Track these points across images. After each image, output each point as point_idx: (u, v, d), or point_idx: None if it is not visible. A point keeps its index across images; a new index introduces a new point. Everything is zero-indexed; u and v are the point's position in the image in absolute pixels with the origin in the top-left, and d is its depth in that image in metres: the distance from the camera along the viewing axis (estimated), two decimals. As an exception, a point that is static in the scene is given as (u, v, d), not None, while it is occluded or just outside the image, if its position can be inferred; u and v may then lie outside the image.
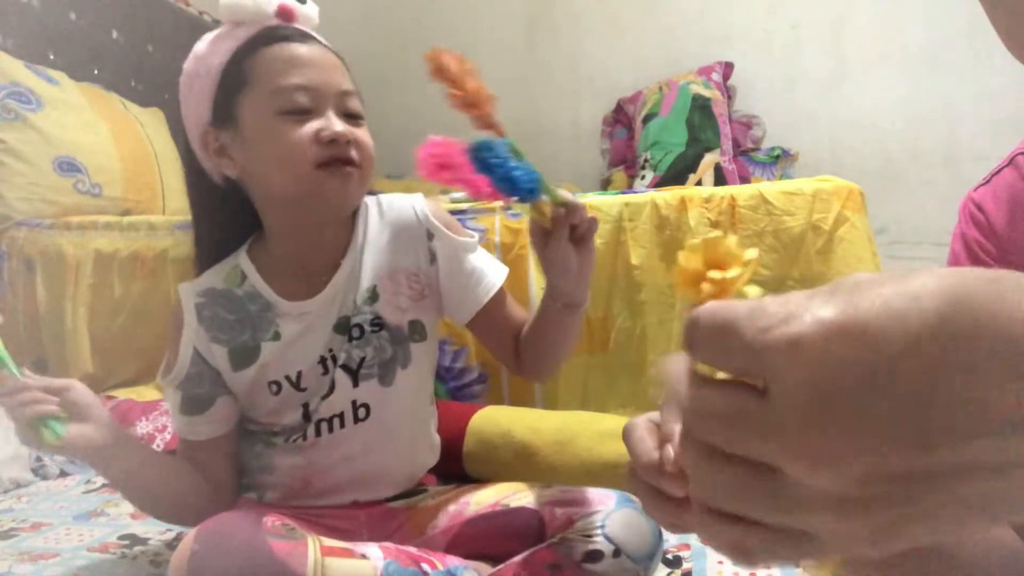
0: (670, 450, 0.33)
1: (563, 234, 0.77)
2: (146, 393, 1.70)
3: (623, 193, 1.62)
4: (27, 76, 1.98)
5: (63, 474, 1.44)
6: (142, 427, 1.53)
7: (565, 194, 0.76)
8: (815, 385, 0.21)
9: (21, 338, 1.89)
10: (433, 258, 0.92)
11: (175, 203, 2.27)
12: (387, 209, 0.94)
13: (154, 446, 1.48)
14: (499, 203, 1.63)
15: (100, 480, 1.40)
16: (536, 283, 1.53)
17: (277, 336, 0.86)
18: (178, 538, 1.10)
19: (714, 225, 1.53)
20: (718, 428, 0.24)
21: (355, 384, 0.87)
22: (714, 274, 0.28)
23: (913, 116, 2.82)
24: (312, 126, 0.80)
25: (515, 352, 0.94)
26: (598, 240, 1.53)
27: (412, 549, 0.81)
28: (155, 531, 1.13)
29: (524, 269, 1.51)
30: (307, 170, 0.79)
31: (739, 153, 2.93)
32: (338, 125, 0.81)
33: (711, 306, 0.24)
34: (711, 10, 3.09)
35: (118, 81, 2.43)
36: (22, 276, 1.91)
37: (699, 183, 2.66)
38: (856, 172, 1.98)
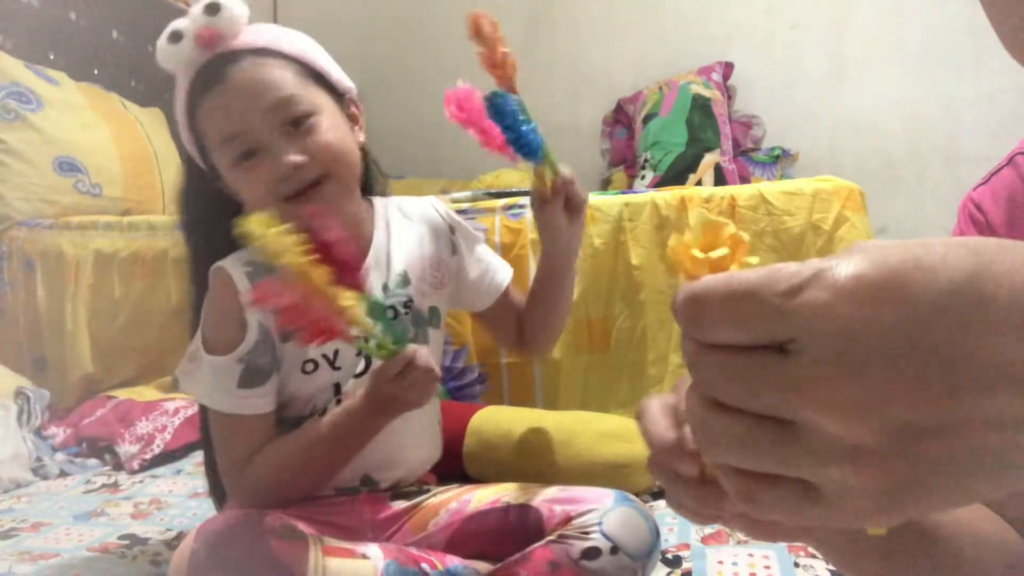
0: (689, 431, 0.33)
1: (558, 202, 0.90)
2: (146, 393, 1.70)
3: (623, 193, 1.62)
4: (27, 76, 1.98)
5: (63, 474, 1.45)
6: (142, 427, 1.53)
7: (564, 168, 0.89)
8: (850, 339, 0.22)
9: (21, 338, 1.89)
10: (455, 250, 0.99)
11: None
12: (408, 209, 0.99)
13: (153, 446, 1.48)
14: (500, 202, 1.63)
15: (100, 480, 1.40)
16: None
17: None
18: (178, 538, 1.10)
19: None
20: (736, 387, 0.24)
21: None
22: (714, 253, 0.28)
23: (913, 116, 2.82)
24: (263, 171, 0.81)
25: (518, 332, 1.03)
26: (598, 240, 1.54)
27: (412, 549, 0.81)
28: (155, 531, 1.14)
29: (524, 268, 1.51)
30: (277, 205, 0.81)
31: (739, 153, 2.93)
32: (283, 155, 0.80)
33: (714, 278, 0.24)
34: (711, 10, 3.09)
35: (118, 81, 2.43)
36: (22, 276, 1.91)
37: (699, 183, 2.66)
38: (856, 172, 1.98)
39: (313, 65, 0.87)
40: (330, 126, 0.84)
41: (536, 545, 0.79)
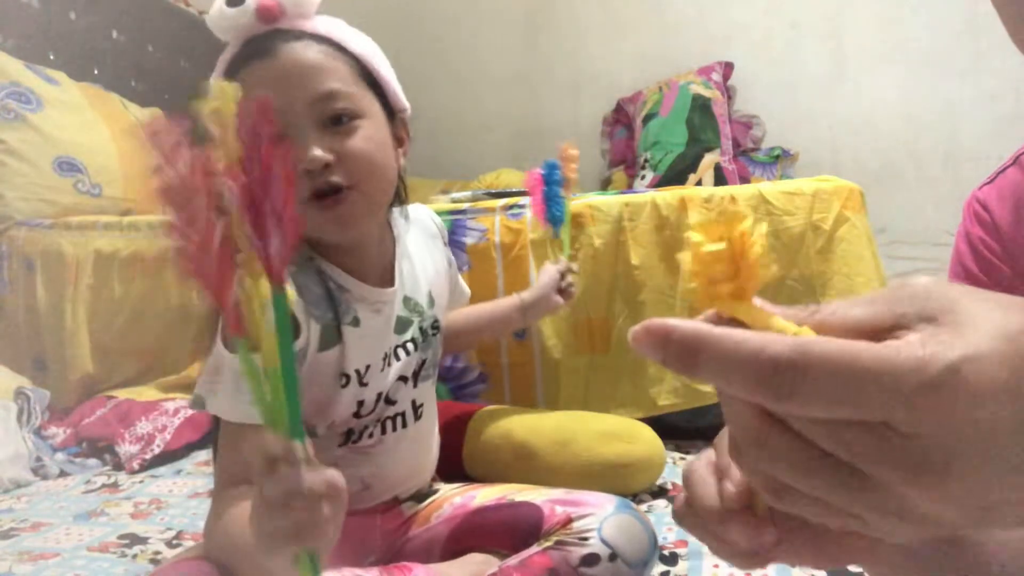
0: (729, 486, 0.32)
1: (552, 266, 1.16)
2: (146, 393, 1.70)
3: (623, 193, 1.62)
4: (27, 76, 1.98)
5: (63, 474, 1.44)
6: (142, 427, 1.53)
7: (566, 263, 1.18)
8: (974, 439, 0.22)
9: (21, 338, 1.89)
10: (450, 262, 1.02)
11: (175, 203, 2.27)
12: (413, 218, 0.95)
13: (153, 446, 1.48)
14: (499, 202, 1.63)
15: (100, 480, 1.40)
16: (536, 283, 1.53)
17: (356, 322, 0.80)
18: (178, 537, 1.10)
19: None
20: (837, 448, 0.24)
21: (415, 385, 0.90)
22: (723, 287, 0.27)
23: (913, 116, 2.82)
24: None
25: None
26: (598, 240, 1.54)
27: (374, 572, 0.77)
28: (155, 531, 1.13)
29: (524, 269, 1.51)
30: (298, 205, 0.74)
31: (739, 153, 2.93)
32: (312, 151, 0.72)
33: (814, 350, 0.22)
34: (711, 10, 3.09)
35: (118, 81, 2.43)
36: (22, 276, 1.91)
37: (699, 183, 2.66)
38: (856, 172, 1.98)
39: (374, 71, 0.81)
40: (372, 135, 0.76)
41: (533, 550, 0.78)
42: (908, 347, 0.22)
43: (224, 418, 0.72)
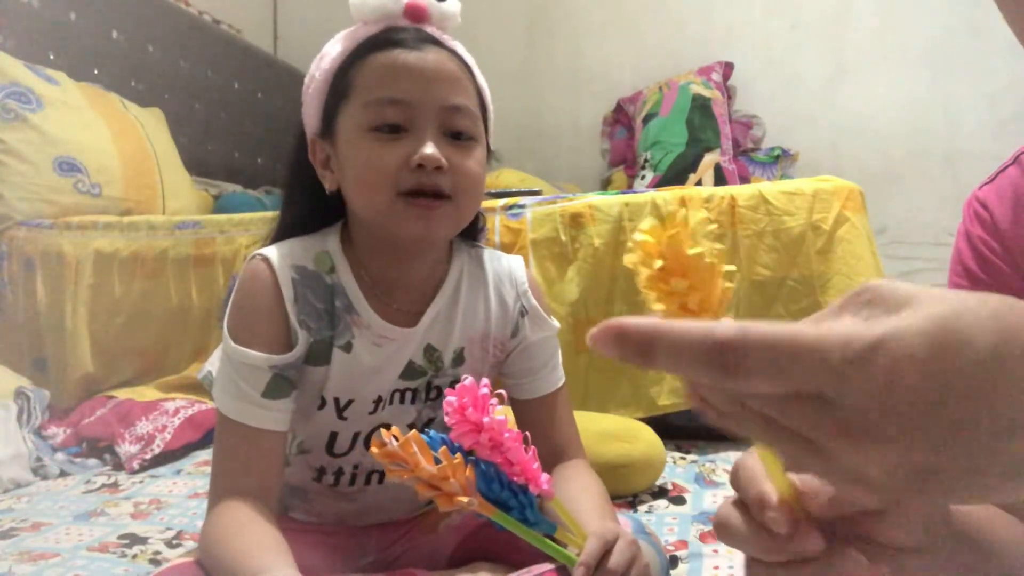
0: (771, 512, 0.33)
1: None
2: (146, 393, 1.70)
3: (623, 193, 1.62)
4: (27, 76, 1.98)
5: (63, 474, 1.44)
6: (142, 427, 1.53)
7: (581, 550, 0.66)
8: (899, 405, 0.24)
9: (21, 338, 1.89)
10: (516, 332, 0.87)
11: (175, 203, 2.27)
12: (489, 266, 0.87)
13: (154, 446, 1.48)
14: (500, 202, 1.62)
15: (100, 480, 1.40)
16: (536, 283, 1.53)
17: (348, 347, 0.77)
18: (178, 537, 1.10)
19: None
20: (776, 428, 0.26)
21: None
22: (677, 283, 0.29)
23: (913, 116, 2.83)
24: (400, 150, 0.72)
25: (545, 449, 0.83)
26: (598, 240, 1.54)
27: None
28: (155, 531, 1.13)
29: (524, 269, 1.51)
30: (387, 198, 0.72)
31: (739, 153, 2.93)
32: (429, 148, 0.71)
33: (747, 329, 0.25)
34: (711, 10, 3.09)
35: (118, 81, 2.43)
36: (22, 276, 1.91)
37: (699, 183, 2.66)
38: (856, 172, 1.98)
39: (487, 107, 0.82)
40: (480, 160, 0.78)
41: (545, 568, 0.77)
42: (839, 326, 0.25)
43: (217, 406, 0.74)
